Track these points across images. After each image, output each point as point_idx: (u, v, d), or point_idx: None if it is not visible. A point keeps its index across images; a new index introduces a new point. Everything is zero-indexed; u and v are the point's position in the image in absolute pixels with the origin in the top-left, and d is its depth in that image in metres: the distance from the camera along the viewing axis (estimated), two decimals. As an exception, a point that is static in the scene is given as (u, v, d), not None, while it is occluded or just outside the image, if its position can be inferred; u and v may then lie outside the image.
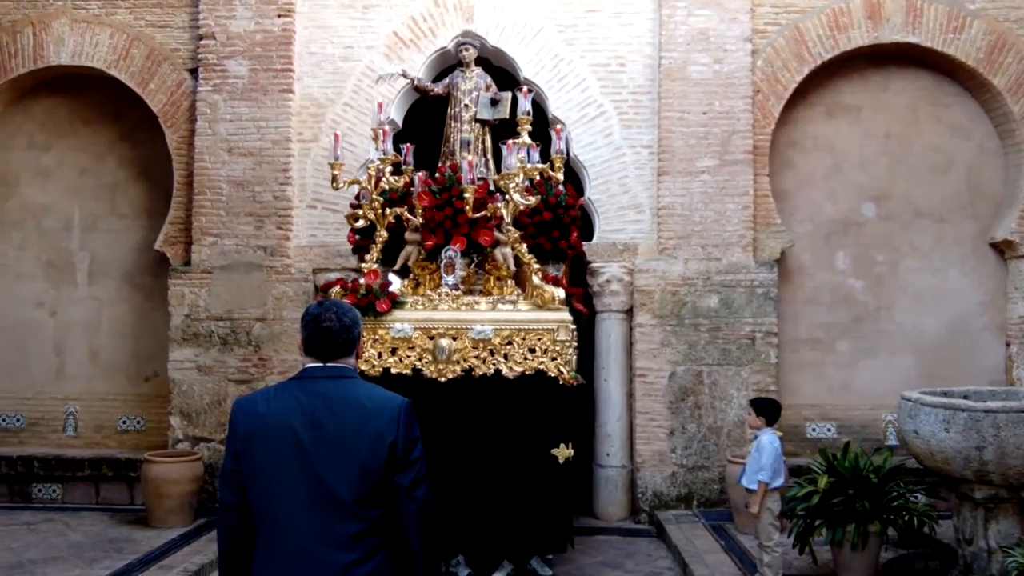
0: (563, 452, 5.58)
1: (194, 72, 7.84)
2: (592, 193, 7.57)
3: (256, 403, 2.52)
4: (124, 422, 8.10)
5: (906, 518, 5.31)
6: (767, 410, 5.43)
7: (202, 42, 7.80)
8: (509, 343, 5.65)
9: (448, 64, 7.68)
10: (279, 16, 7.77)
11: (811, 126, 7.92)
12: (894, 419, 7.21)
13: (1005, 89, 7.53)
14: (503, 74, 7.72)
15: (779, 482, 5.24)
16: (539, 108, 7.42)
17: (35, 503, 7.61)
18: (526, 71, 7.62)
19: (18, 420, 8.10)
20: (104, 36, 7.93)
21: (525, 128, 5.78)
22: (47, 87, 8.29)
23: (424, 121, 7.69)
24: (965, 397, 5.35)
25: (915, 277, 7.81)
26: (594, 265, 7.51)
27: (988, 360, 7.65)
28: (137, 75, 7.90)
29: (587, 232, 7.49)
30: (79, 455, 7.74)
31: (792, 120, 7.84)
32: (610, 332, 7.51)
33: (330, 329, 2.53)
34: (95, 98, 8.24)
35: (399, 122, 7.77)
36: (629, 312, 7.54)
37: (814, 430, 7.66)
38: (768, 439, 5.26)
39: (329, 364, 2.54)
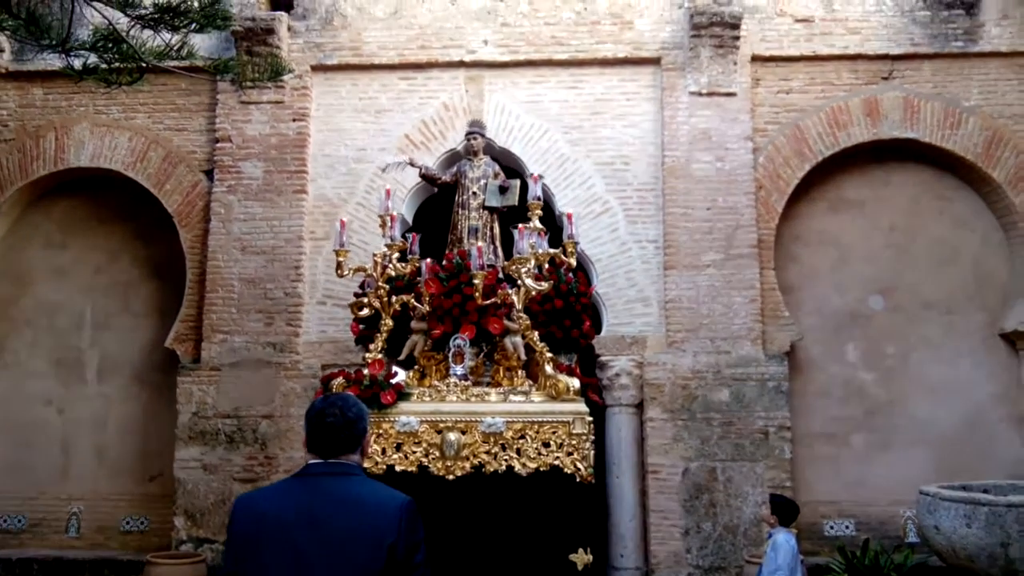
0: (582, 558, 5.21)
1: (209, 173, 8.05)
2: (600, 287, 7.63)
3: (257, 501, 2.47)
4: (128, 523, 7.96)
5: (931, 618, 5.13)
6: (783, 509, 5.33)
7: (218, 145, 8.03)
8: (522, 437, 5.33)
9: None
10: (294, 120, 8.03)
11: (815, 220, 8.04)
12: (913, 515, 7.04)
13: (1005, 182, 7.66)
14: (510, 172, 7.89)
15: (796, 582, 5.08)
16: (546, 205, 7.54)
17: (33, 608, 7.42)
18: (533, 170, 7.78)
19: (19, 520, 7.97)
20: (123, 139, 8.18)
21: (536, 213, 5.73)
22: (66, 188, 8.50)
23: (431, 220, 7.82)
24: (985, 491, 5.25)
25: (926, 369, 7.76)
26: (603, 358, 7.50)
27: (1006, 453, 7.52)
28: (154, 176, 8.11)
29: (595, 325, 7.50)
30: (80, 556, 7.59)
31: (796, 215, 7.96)
32: (620, 427, 7.43)
33: (333, 424, 2.49)
34: (112, 199, 8.44)
35: (409, 220, 7.91)
36: (639, 406, 7.48)
37: (831, 527, 7.47)
38: (784, 537, 5.14)
39: (331, 461, 2.49)
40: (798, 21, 7.98)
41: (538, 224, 5.74)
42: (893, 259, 7.96)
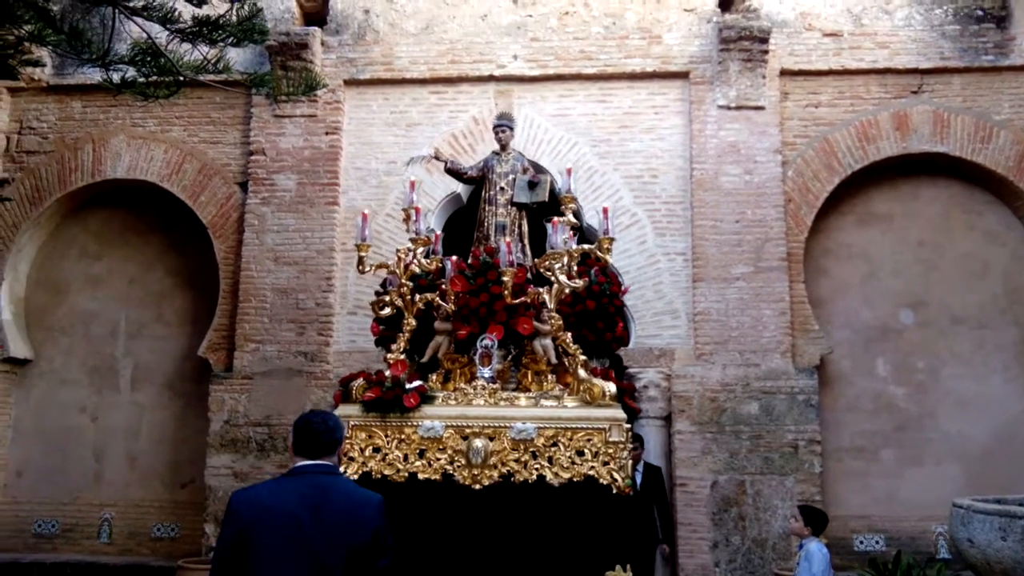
0: (619, 575, 4.72)
1: (243, 185, 8.18)
2: (628, 299, 7.64)
3: (258, 494, 2.95)
4: (159, 529, 8.05)
5: (965, 633, 5.07)
6: (814, 518, 5.30)
7: (252, 157, 8.17)
8: (554, 444, 4.91)
9: (487, 176, 7.93)
10: (327, 134, 8.15)
11: (844, 234, 8.03)
12: (944, 531, 6.98)
13: (1036, 197, 7.63)
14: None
15: (830, 593, 5.06)
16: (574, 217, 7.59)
17: (66, 612, 7.52)
18: (561, 183, 7.84)
19: (53, 526, 8.08)
20: (159, 152, 8.34)
21: (570, 207, 5.39)
22: (102, 200, 8.66)
23: (460, 235, 7.89)
24: (1021, 505, 5.19)
25: (957, 384, 7.71)
26: (631, 370, 7.51)
27: (1039, 469, 7.45)
28: (189, 188, 8.26)
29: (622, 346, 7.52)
30: (112, 562, 7.69)
31: (825, 228, 7.96)
32: (649, 439, 7.41)
33: (317, 431, 3.02)
34: (147, 210, 8.60)
35: (439, 231, 7.96)
36: (667, 419, 7.48)
37: (862, 543, 7.41)
38: (817, 547, 5.12)
39: (317, 462, 3.01)
40: (827, 35, 8.00)
41: (572, 218, 5.39)
42: (923, 273, 7.93)
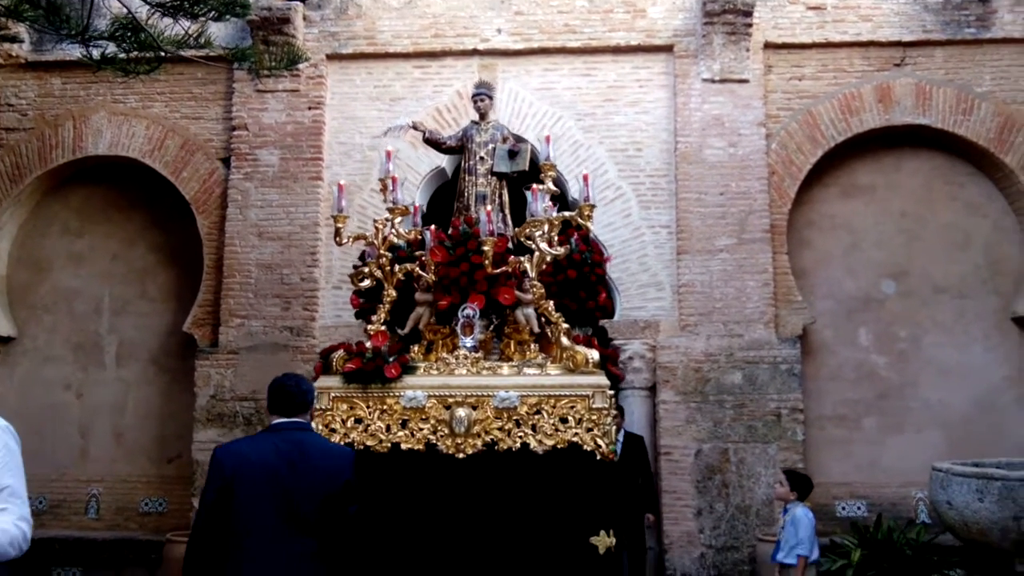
0: (604, 541, 4.76)
1: (226, 161, 8.14)
2: (613, 272, 7.67)
3: (239, 448, 3.30)
4: (146, 504, 8.06)
5: (944, 592, 5.17)
6: (800, 483, 5.38)
7: (235, 133, 8.12)
8: (537, 412, 4.90)
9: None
10: (310, 108, 8.11)
11: (827, 206, 8.08)
12: (925, 496, 7.09)
13: (1018, 168, 7.69)
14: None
15: (815, 556, 5.14)
16: (561, 194, 7.59)
17: (54, 588, 7.54)
18: (541, 151, 7.82)
19: (40, 502, 8.07)
20: (140, 128, 8.27)
21: (549, 175, 5.31)
22: (84, 176, 8.60)
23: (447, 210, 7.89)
24: (998, 467, 5.28)
25: (938, 353, 7.80)
26: (616, 342, 7.55)
27: (1018, 435, 7.54)
28: (171, 164, 8.21)
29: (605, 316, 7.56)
30: (100, 537, 7.71)
31: (808, 200, 8.00)
32: (633, 409, 7.48)
33: (291, 391, 3.38)
34: (129, 186, 8.54)
35: (423, 208, 7.96)
36: (652, 389, 7.54)
37: (843, 508, 7.51)
38: (803, 511, 5.20)
39: (292, 419, 3.37)
40: (810, 8, 8.01)
41: (552, 186, 5.32)
42: (905, 244, 8.00)
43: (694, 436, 7.34)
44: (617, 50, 8.03)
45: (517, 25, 8.07)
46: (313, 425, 4.72)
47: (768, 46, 7.95)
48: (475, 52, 8.09)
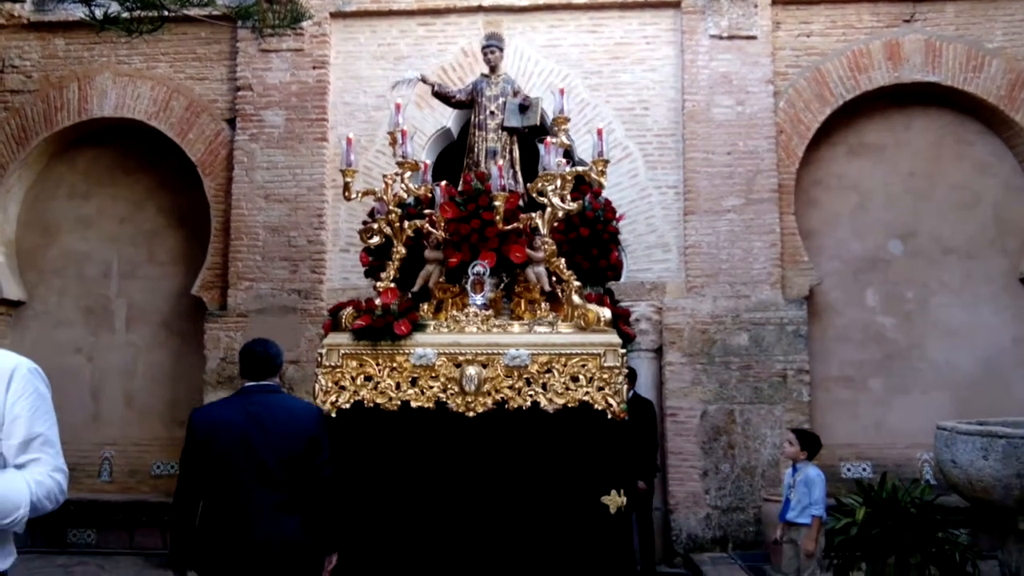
0: (615, 500, 4.67)
1: (232, 122, 8.10)
2: (620, 233, 7.65)
3: (212, 411, 3.63)
4: (158, 467, 8.17)
5: (948, 550, 5.21)
6: (809, 442, 5.41)
7: (239, 93, 8.08)
8: (548, 371, 4.78)
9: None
10: (314, 68, 8.05)
11: (835, 165, 8.02)
12: (930, 458, 7.13)
13: (1028, 126, 7.60)
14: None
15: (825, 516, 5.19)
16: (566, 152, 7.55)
17: (69, 548, 7.67)
18: (554, 104, 7.76)
19: (54, 464, 8.18)
20: (145, 89, 8.23)
21: (563, 129, 5.18)
22: (90, 139, 8.58)
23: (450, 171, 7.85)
24: (1003, 426, 5.29)
25: (945, 314, 7.79)
26: (623, 304, 7.53)
27: (1025, 395, 7.58)
28: (176, 126, 8.18)
29: (614, 278, 7.54)
30: (114, 499, 7.82)
31: (816, 159, 7.94)
32: (640, 371, 7.47)
33: (260, 356, 3.64)
34: (135, 148, 8.52)
35: (430, 166, 7.93)
36: (658, 351, 7.56)
37: (849, 470, 7.57)
38: (815, 471, 5.24)
39: (261, 383, 3.62)
40: (820, -37, 7.88)
41: (566, 140, 5.16)
42: (913, 204, 7.95)
43: (700, 397, 7.38)
44: (624, 6, 7.93)
45: (523, -19, 7.97)
46: (322, 381, 4.81)
47: (776, 2, 7.85)
48: (480, 8, 8.01)
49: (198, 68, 8.25)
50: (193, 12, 7.06)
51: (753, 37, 7.73)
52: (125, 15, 6.58)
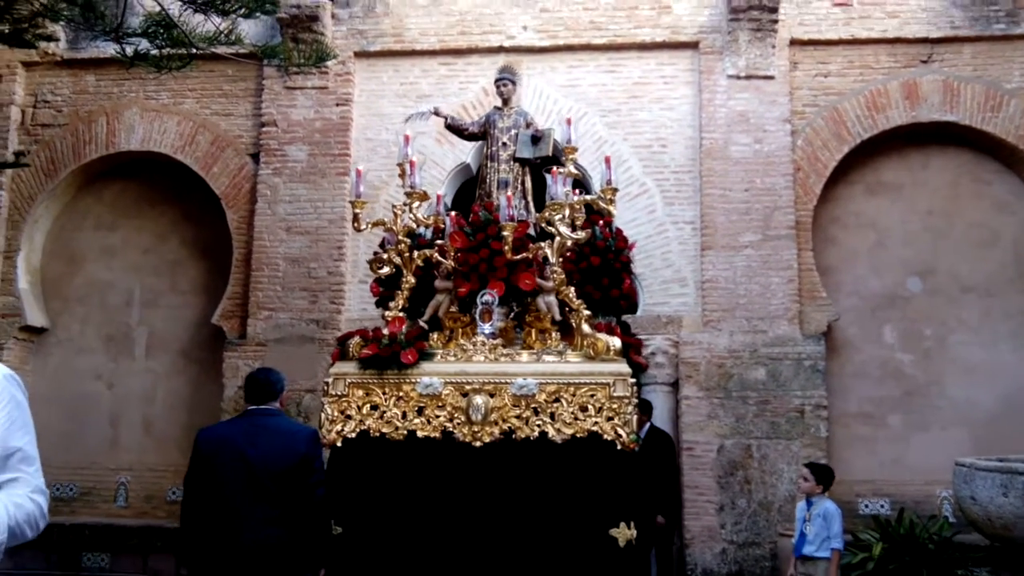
0: (624, 533, 4.58)
1: (256, 157, 8.27)
2: (636, 267, 7.68)
3: (216, 430, 4.03)
4: (174, 493, 8.18)
5: (968, 588, 5.14)
6: (824, 476, 5.37)
7: (264, 129, 8.25)
8: (556, 400, 4.74)
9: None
10: (337, 105, 8.23)
11: (852, 203, 8.05)
12: (949, 495, 7.02)
13: (1047, 165, 7.62)
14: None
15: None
16: (582, 186, 7.63)
17: (84, 571, 7.70)
18: (561, 134, 7.84)
19: (71, 489, 8.24)
20: (172, 124, 8.43)
21: (571, 159, 5.17)
22: (117, 171, 8.77)
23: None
24: (1022, 462, 5.25)
25: (964, 351, 7.74)
26: (639, 337, 7.55)
27: (1045, 434, 7.47)
28: (201, 159, 8.35)
29: (626, 310, 7.56)
30: (129, 524, 7.85)
31: (833, 197, 7.98)
32: (656, 405, 7.47)
33: (261, 382, 4.00)
34: (161, 181, 8.70)
35: (448, 202, 8.04)
36: (675, 385, 7.56)
37: (867, 506, 7.48)
38: (833, 505, 5.21)
39: (261, 407, 3.97)
40: (836, 5, 8.00)
41: (573, 169, 5.19)
42: (931, 242, 7.95)
43: (716, 432, 7.34)
44: (642, 47, 8.06)
45: (543, 22, 8.13)
46: (328, 410, 4.89)
47: (794, 43, 7.95)
48: (501, 49, 8.16)
49: (224, 104, 8.45)
50: (221, 50, 7.24)
51: (771, 77, 7.83)
52: (154, 52, 6.77)
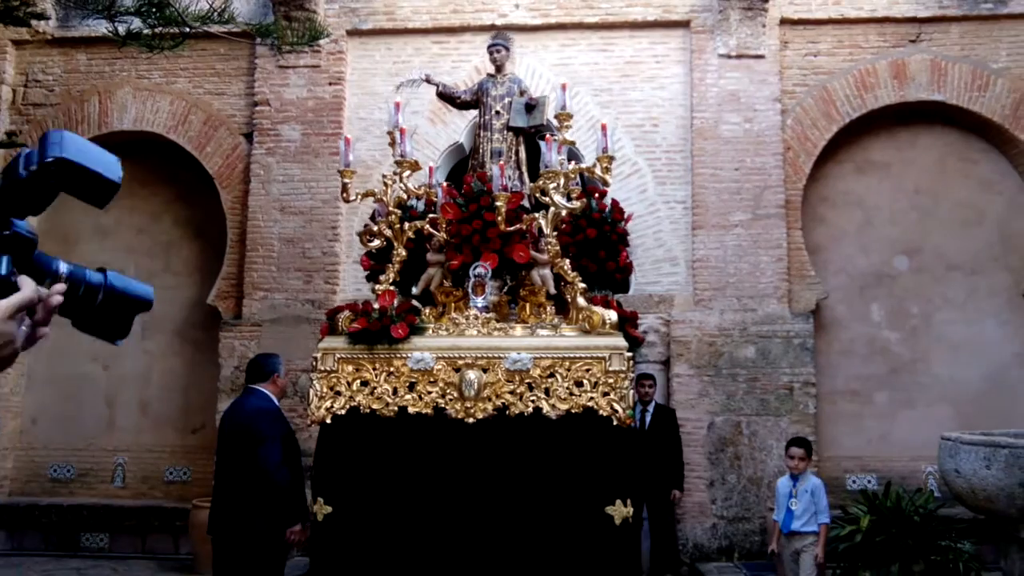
0: (620, 511, 4.47)
1: (249, 136, 8.27)
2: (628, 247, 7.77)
3: (228, 407, 4.89)
4: (171, 473, 8.28)
5: (951, 558, 5.28)
6: (810, 449, 5.48)
7: (257, 108, 8.25)
8: (551, 375, 4.58)
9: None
10: (330, 84, 8.23)
11: (841, 182, 8.14)
12: (935, 470, 7.18)
13: (1032, 144, 7.72)
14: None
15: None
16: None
17: (82, 551, 7.77)
18: (557, 100, 7.87)
19: (68, 471, 8.31)
20: (164, 103, 8.42)
21: (566, 125, 4.91)
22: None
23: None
24: (1005, 436, 5.37)
25: (950, 329, 7.88)
26: (632, 315, 7.64)
27: (1028, 409, 7.64)
28: (194, 139, 8.35)
29: (622, 285, 7.66)
30: (127, 504, 7.93)
31: (823, 176, 8.07)
32: (648, 382, 7.58)
33: (252, 363, 4.80)
34: (154, 161, 8.68)
35: (443, 177, 8.08)
36: (666, 363, 7.66)
37: (854, 482, 7.64)
38: (819, 480, 5.31)
39: (250, 386, 4.70)
40: (827, -16, 8.04)
41: (567, 136, 4.94)
42: (918, 220, 8.06)
43: (707, 409, 7.47)
44: (634, 25, 8.09)
45: (535, 1, 8.14)
46: (317, 386, 4.84)
47: (784, 22, 7.99)
48: (493, 27, 8.13)
49: (217, 83, 8.44)
50: (214, 29, 7.21)
51: (761, 56, 7.88)
52: (147, 31, 6.75)
